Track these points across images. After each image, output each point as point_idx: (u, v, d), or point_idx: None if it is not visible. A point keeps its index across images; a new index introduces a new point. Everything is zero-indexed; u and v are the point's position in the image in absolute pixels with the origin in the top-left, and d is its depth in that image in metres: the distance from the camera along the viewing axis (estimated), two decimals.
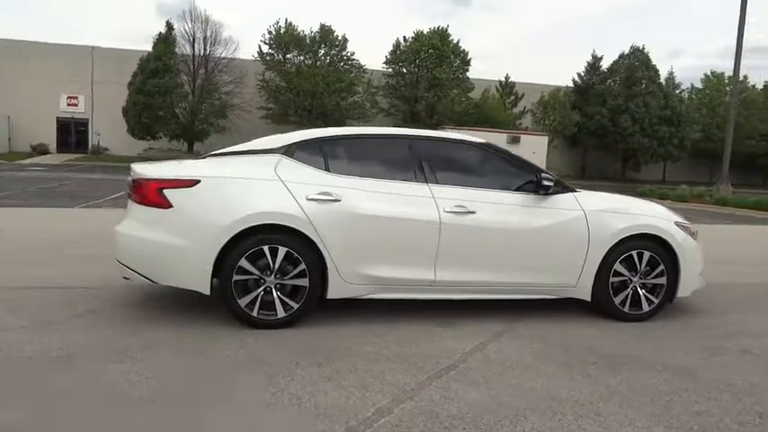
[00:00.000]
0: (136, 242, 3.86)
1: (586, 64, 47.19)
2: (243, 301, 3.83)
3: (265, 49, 40.27)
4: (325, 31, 40.57)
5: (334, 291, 4.00)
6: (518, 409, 2.80)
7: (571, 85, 46.68)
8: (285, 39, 39.75)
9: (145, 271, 3.87)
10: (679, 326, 4.46)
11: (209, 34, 39.71)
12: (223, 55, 39.53)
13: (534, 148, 34.73)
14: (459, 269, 4.17)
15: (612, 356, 3.66)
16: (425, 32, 42.09)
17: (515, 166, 4.47)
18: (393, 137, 4.47)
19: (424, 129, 30.99)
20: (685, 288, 4.60)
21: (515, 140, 33.78)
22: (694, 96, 47.60)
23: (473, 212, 4.15)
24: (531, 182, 4.39)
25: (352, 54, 41.12)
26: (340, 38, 40.88)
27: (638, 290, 4.48)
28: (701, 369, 3.50)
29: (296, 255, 3.87)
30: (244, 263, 3.80)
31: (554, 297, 4.44)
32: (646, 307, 4.51)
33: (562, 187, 4.44)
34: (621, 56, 45.66)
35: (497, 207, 4.24)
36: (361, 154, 4.26)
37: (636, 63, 44.80)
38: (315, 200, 3.91)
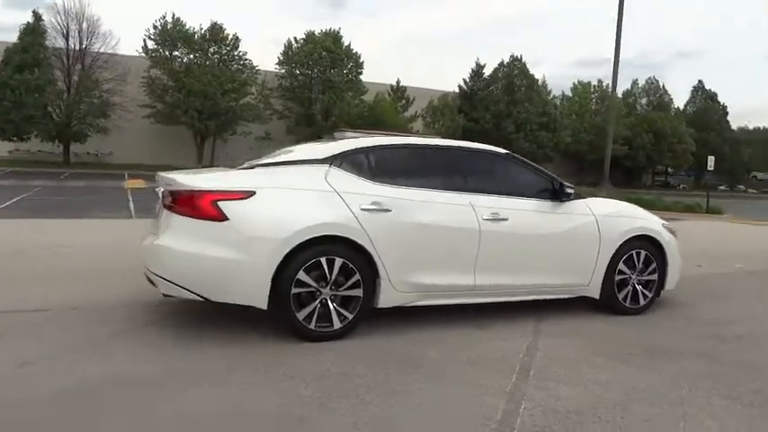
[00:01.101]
0: (186, 257, 3.64)
1: (470, 71, 49.76)
2: (301, 315, 3.76)
3: (150, 44, 38.10)
4: (216, 29, 39.19)
5: (385, 300, 4.04)
6: (615, 399, 3.05)
7: (457, 90, 48.95)
8: (173, 35, 37.83)
9: (196, 287, 3.66)
10: (667, 316, 4.98)
11: (84, 27, 36.78)
12: (102, 50, 36.81)
13: None
14: (495, 274, 4.38)
15: (645, 347, 4.05)
16: (317, 34, 42.06)
17: (536, 174, 4.77)
18: (430, 147, 4.60)
19: (319, 131, 31.26)
20: (671, 282, 5.17)
21: None
22: (566, 103, 51.87)
23: (506, 219, 4.39)
24: (550, 189, 4.71)
25: (245, 54, 40.11)
26: (231, 36, 39.67)
27: (636, 286, 4.97)
28: (722, 353, 3.99)
29: (351, 265, 3.86)
30: (302, 275, 3.73)
31: (569, 296, 4.80)
32: (642, 301, 5.01)
33: (575, 194, 4.81)
34: (501, 64, 48.67)
35: (525, 214, 4.51)
36: (401, 163, 4.34)
37: (515, 71, 48.01)
38: (368, 210, 3.93)
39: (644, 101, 53.86)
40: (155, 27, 38.24)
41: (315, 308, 3.79)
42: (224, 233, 3.63)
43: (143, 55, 37.97)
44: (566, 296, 4.79)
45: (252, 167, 4.08)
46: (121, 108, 35.74)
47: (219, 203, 3.63)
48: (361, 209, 3.92)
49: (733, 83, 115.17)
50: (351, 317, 3.90)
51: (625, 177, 53.99)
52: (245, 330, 3.98)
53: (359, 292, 3.91)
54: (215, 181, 3.81)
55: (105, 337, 3.79)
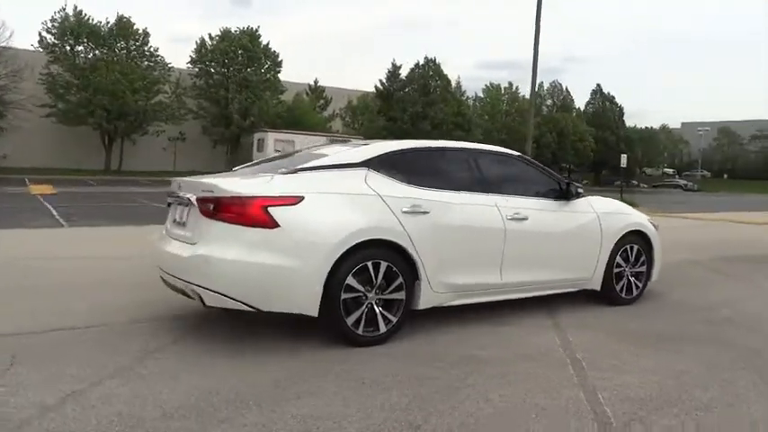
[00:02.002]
0: (235, 266, 3.50)
1: (387, 71, 50.30)
2: (349, 320, 3.73)
3: (49, 38, 35.41)
4: (124, 24, 37.08)
5: (424, 301, 4.08)
6: (672, 385, 3.27)
7: (374, 90, 49.36)
8: (75, 28, 35.38)
9: (246, 297, 3.53)
10: (654, 305, 5.36)
11: None
12: None
13: None
14: (517, 271, 4.54)
15: (656, 334, 4.36)
16: (234, 32, 40.93)
17: (544, 174, 4.99)
18: (456, 150, 4.68)
19: (238, 131, 30.65)
20: (655, 274, 5.58)
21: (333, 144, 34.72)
22: (478, 104, 53.76)
23: (526, 219, 4.56)
24: (558, 189, 4.94)
25: (156, 50, 38.28)
26: (140, 31, 37.71)
27: (630, 278, 5.32)
28: (728, 338, 4.37)
29: (394, 268, 3.88)
30: (350, 280, 3.70)
31: (574, 290, 5.06)
32: (635, 292, 5.38)
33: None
34: (417, 65, 49.59)
35: (541, 213, 4.71)
36: (431, 166, 4.39)
37: (430, 72, 49.10)
38: (409, 213, 3.96)
39: (549, 102, 56.91)
40: (53, 20, 35.63)
41: (362, 313, 3.77)
42: (275, 240, 3.52)
43: (39, 49, 35.24)
44: (572, 290, 5.05)
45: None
46: (18, 106, 32.95)
47: (270, 210, 3.52)
48: (403, 212, 3.94)
49: (620, 86, 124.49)
50: (395, 320, 3.91)
51: None
52: (284, 339, 3.89)
53: (401, 295, 3.93)
54: (261, 186, 3.68)
55: (139, 357, 3.54)
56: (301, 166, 3.92)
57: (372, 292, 3.81)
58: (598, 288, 5.14)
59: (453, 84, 50.01)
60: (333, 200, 3.77)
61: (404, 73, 49.57)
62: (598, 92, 59.25)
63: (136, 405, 2.82)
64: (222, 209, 3.56)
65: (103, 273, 6.06)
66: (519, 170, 4.92)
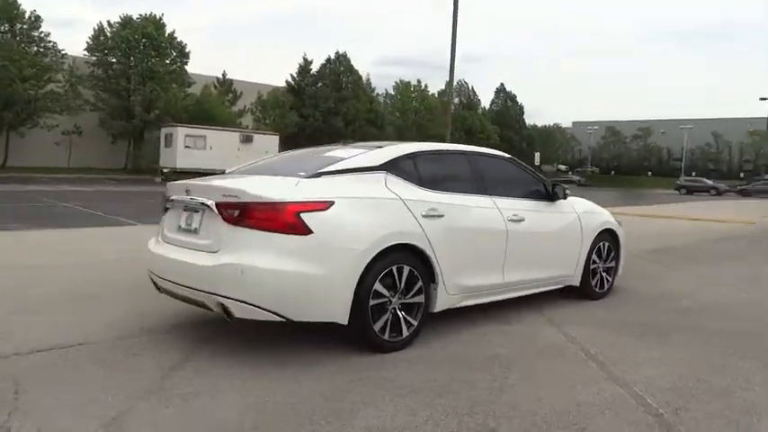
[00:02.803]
0: (266, 275, 3.34)
1: (298, 66, 49.69)
2: (376, 327, 3.69)
3: None
4: (9, 5, 33.86)
5: (440, 304, 4.12)
6: (690, 373, 3.51)
7: (285, 85, 48.56)
8: None
9: (277, 307, 3.38)
10: (623, 298, 5.72)
11: None
12: None
13: (267, 148, 35.26)
14: (516, 271, 4.69)
15: (643, 325, 4.67)
16: (136, 19, 38.65)
17: (532, 176, 5.18)
18: (458, 152, 4.74)
19: (141, 124, 29.08)
20: (620, 268, 5.97)
21: (248, 140, 33.76)
22: (389, 101, 54.41)
23: (523, 219, 4.72)
24: (544, 190, 5.15)
25: (48, 35, 35.31)
26: (29, 14, 34.63)
27: (602, 273, 5.66)
28: (700, 325, 4.76)
29: (415, 272, 3.88)
30: (378, 286, 3.67)
31: (560, 287, 5.30)
32: (606, 286, 5.72)
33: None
34: (328, 60, 49.39)
35: (534, 214, 4.89)
36: (440, 169, 4.43)
37: (341, 68, 49.06)
38: (427, 216, 3.97)
39: (456, 101, 58.68)
40: None
41: (387, 318, 3.74)
42: (308, 247, 3.41)
43: None
44: (557, 287, 5.28)
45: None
46: None
47: (302, 215, 3.40)
48: (422, 215, 3.95)
49: (516, 86, 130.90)
50: (416, 324, 3.92)
51: None
52: (300, 349, 3.79)
53: (421, 299, 3.94)
54: (291, 191, 3.53)
55: (158, 376, 3.31)
56: (324, 170, 3.80)
57: (395, 297, 3.79)
58: (578, 284, 5.42)
59: (364, 80, 50.29)
60: (361, 204, 3.71)
61: (315, 68, 49.26)
62: (501, 91, 62.00)
63: (198, 428, 2.65)
64: (251, 215, 3.39)
65: (63, 283, 5.57)
66: (511, 172, 5.06)
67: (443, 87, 58.92)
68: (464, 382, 3.29)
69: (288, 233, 3.38)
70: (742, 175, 64.33)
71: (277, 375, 3.32)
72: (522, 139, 58.72)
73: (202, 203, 3.64)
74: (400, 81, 55.58)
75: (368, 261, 3.58)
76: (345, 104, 46.81)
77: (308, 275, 3.41)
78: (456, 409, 2.91)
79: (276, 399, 3.00)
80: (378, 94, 52.68)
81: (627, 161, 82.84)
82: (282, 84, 48.62)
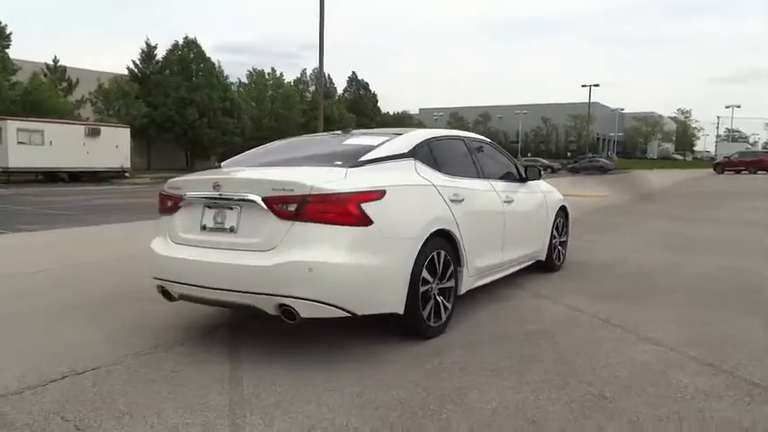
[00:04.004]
0: (337, 270, 3.18)
1: (141, 52, 46.06)
2: (425, 313, 3.69)
3: None
4: None
5: (464, 286, 4.21)
6: (715, 329, 3.98)
7: (126, 73, 44.80)
8: None
9: (344, 303, 3.24)
10: (576, 269, 6.24)
11: None
12: None
13: (117, 142, 32.41)
14: (510, 249, 4.92)
15: (618, 292, 5.16)
16: None
17: (508, 158, 5.43)
18: (458, 138, 4.81)
19: None
20: (569, 242, 6.50)
21: (95, 133, 30.77)
22: (243, 90, 52.54)
23: (512, 201, 4.96)
24: (517, 172, 5.43)
25: None
26: None
27: (558, 247, 6.13)
28: (667, 286, 5.38)
29: (448, 257, 3.93)
30: (425, 273, 3.66)
31: (532, 262, 5.64)
32: (562, 259, 6.21)
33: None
34: (176, 46, 46.42)
35: (517, 195, 5.14)
36: (451, 155, 4.48)
37: (191, 54, 46.39)
38: (454, 201, 4.03)
39: (312, 89, 58.32)
40: None
41: (431, 304, 3.75)
42: (369, 238, 3.31)
43: None
44: (530, 263, 5.62)
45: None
46: None
47: (363, 206, 3.28)
48: (450, 200, 3.99)
49: (365, 74, 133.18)
50: (450, 308, 3.97)
51: None
52: (338, 344, 3.68)
53: (452, 283, 4.01)
54: (347, 181, 3.36)
55: (225, 390, 3.04)
56: (364, 158, 3.67)
57: (434, 282, 3.81)
58: (544, 258, 5.81)
59: (217, 67, 47.99)
60: (407, 192, 3.66)
61: (160, 54, 46.05)
62: (354, 79, 62.79)
63: None
64: (311, 208, 3.19)
65: (46, 296, 4.77)
66: (495, 155, 5.27)
67: (299, 75, 58.42)
68: (529, 358, 3.42)
69: (350, 225, 3.25)
70: (569, 154, 71.98)
71: (356, 373, 3.20)
72: (377, 126, 60.03)
73: (242, 200, 3.34)
74: (254, 69, 53.93)
75: (419, 248, 3.57)
76: (198, 93, 44.36)
77: (373, 267, 3.31)
78: (551, 382, 3.04)
79: (376, 395, 2.90)
80: (232, 83, 50.64)
81: None
82: (124, 71, 44.81)
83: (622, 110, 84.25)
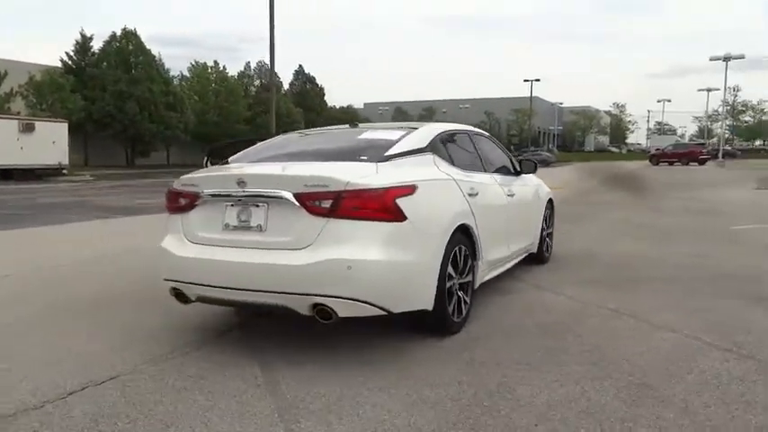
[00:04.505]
0: (375, 267, 3.11)
1: (75, 44, 43.92)
2: (450, 309, 3.68)
3: None
4: None
5: (479, 280, 4.21)
6: (729, 315, 4.14)
7: (60, 65, 42.62)
8: None
9: (380, 300, 3.16)
10: (562, 259, 6.40)
11: None
12: None
13: (54, 137, 30.77)
14: (514, 242, 4.99)
15: (611, 281, 5.31)
16: None
17: (503, 152, 5.47)
18: (464, 132, 4.77)
19: None
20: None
21: (29, 129, 29.13)
22: (185, 84, 50.90)
23: (514, 194, 5.00)
24: (511, 165, 5.49)
25: None
26: None
27: (546, 239, 6.24)
28: (643, 274, 5.57)
29: (467, 252, 3.93)
30: (449, 268, 3.64)
31: (526, 255, 5.71)
32: (550, 250, 6.33)
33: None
34: (113, 37, 44.53)
35: (516, 188, 5.18)
36: (461, 149, 4.47)
37: (130, 46, 44.60)
38: (471, 195, 4.02)
39: (257, 82, 57.16)
40: None
41: (455, 300, 3.74)
42: (404, 233, 3.25)
43: None
44: (525, 255, 5.69)
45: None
46: None
47: (398, 201, 3.22)
48: (468, 194, 3.98)
49: (309, 67, 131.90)
50: (469, 302, 3.97)
51: None
52: (364, 340, 3.62)
53: (470, 277, 4.01)
54: (380, 176, 3.27)
55: (267, 388, 2.93)
56: (389, 153, 3.60)
57: (456, 277, 3.80)
58: (536, 250, 5.90)
59: (157, 59, 46.27)
60: (433, 186, 3.63)
61: (96, 46, 44.06)
62: (300, 72, 61.92)
63: None
64: (346, 204, 3.10)
65: (35, 300, 4.44)
66: (494, 149, 5.29)
67: (242, 69, 57.11)
68: (557, 351, 3.46)
69: (386, 221, 3.18)
70: (512, 147, 73.56)
71: (393, 372, 3.14)
72: (325, 121, 59.48)
73: (270, 196, 3.22)
74: (196, 62, 52.28)
75: (446, 243, 3.55)
76: (139, 87, 42.68)
77: (408, 264, 3.26)
78: (591, 373, 3.09)
79: (424, 394, 2.87)
80: (174, 77, 48.96)
81: None
82: (58, 63, 42.62)
83: (561, 104, 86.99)
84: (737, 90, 70.79)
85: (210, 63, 52.65)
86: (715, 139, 68.29)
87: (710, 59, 39.79)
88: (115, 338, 3.76)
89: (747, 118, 73.97)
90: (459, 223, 3.72)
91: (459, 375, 3.09)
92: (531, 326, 3.97)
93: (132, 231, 9.36)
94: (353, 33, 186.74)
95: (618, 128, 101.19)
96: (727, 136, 57.05)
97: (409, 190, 3.33)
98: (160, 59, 46.59)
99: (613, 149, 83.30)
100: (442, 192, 3.71)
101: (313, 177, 3.17)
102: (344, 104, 75.56)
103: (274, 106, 25.21)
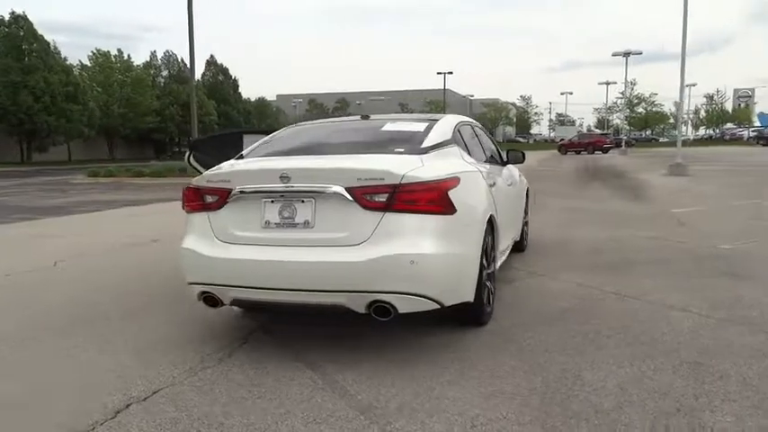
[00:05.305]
0: (433, 261, 3.05)
1: None
2: (484, 299, 3.69)
3: None
4: None
5: (496, 269, 4.25)
6: (700, 293, 4.44)
7: None
8: None
9: (438, 294, 3.12)
10: (536, 247, 6.63)
11: None
12: None
13: None
14: (512, 231, 5.07)
15: (595, 266, 5.55)
16: None
17: (492, 142, 5.54)
18: (467, 123, 4.76)
19: None
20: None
21: None
22: (86, 73, 47.65)
23: (511, 184, 5.10)
24: (497, 156, 5.57)
25: None
26: None
27: (525, 227, 6.42)
28: (625, 257, 5.86)
29: (493, 242, 3.96)
30: (483, 259, 3.65)
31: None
32: (528, 239, 6.52)
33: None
34: (2, 22, 40.90)
35: (510, 179, 5.28)
36: (470, 140, 4.45)
37: (21, 33, 41.14)
38: (491, 186, 4.05)
39: (165, 73, 54.49)
40: None
41: (486, 290, 3.76)
42: (455, 226, 3.22)
43: None
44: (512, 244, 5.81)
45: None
46: None
47: (449, 193, 3.18)
48: (490, 185, 4.01)
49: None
50: (494, 292, 4.01)
51: (157, 150, 54.09)
52: (399, 336, 3.58)
53: (492, 267, 4.03)
54: (427, 169, 3.20)
55: (339, 392, 2.82)
56: (426, 145, 3.54)
57: (486, 268, 3.81)
58: (519, 239, 6.05)
59: (52, 47, 42.94)
60: (468, 178, 3.60)
61: None
62: (213, 63, 59.60)
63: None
64: (403, 197, 3.02)
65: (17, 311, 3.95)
66: (488, 140, 5.34)
67: (148, 59, 54.22)
68: (593, 334, 3.57)
69: (439, 213, 3.13)
70: None
71: (450, 366, 3.12)
72: (239, 113, 57.84)
73: (318, 191, 3.07)
74: (98, 50, 48.98)
75: (483, 234, 3.56)
76: (34, 77, 39.48)
77: (459, 256, 3.24)
78: (640, 355, 3.20)
79: (497, 385, 2.86)
80: (73, 66, 45.63)
81: None
82: None
83: (472, 96, 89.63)
84: (634, 83, 75.98)
85: (114, 52, 49.63)
86: (611, 130, 73.02)
87: (613, 55, 42.50)
88: (130, 350, 3.49)
89: (640, 109, 79.78)
90: (489, 214, 3.74)
91: (518, 364, 3.11)
92: (552, 311, 4.07)
93: (73, 232, 8.68)
94: (262, 22, 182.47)
95: (524, 119, 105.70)
96: (623, 126, 61.17)
97: (456, 182, 3.30)
98: (56, 48, 43.31)
99: (521, 140, 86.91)
100: (475, 183, 3.71)
101: (367, 171, 3.06)
102: (256, 96, 73.75)
103: (194, 99, 24.04)
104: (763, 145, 47.11)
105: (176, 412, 2.66)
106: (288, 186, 3.13)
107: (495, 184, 4.18)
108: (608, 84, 61.00)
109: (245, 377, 3.05)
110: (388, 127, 4.01)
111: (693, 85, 69.99)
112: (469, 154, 4.11)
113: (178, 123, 51.16)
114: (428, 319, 3.65)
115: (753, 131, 60.78)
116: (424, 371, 3.04)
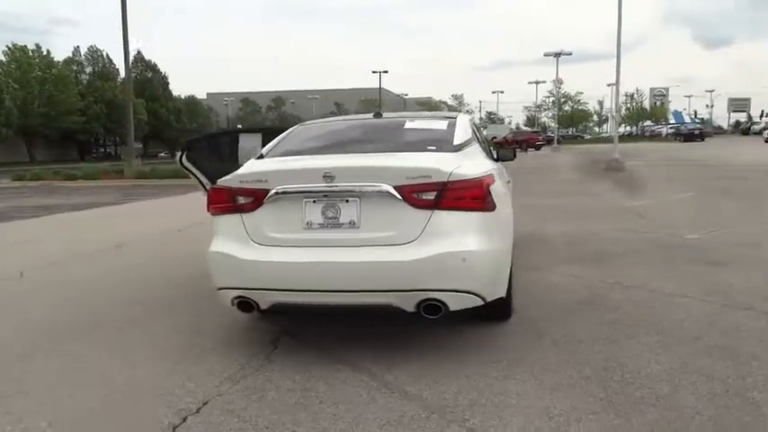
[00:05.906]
0: (482, 258, 3.06)
1: None
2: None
3: None
4: None
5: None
6: (695, 279, 4.69)
7: None
8: None
9: (483, 291, 3.12)
10: (521, 242, 6.78)
11: None
12: None
13: None
14: None
15: (582, 258, 5.76)
16: None
17: (486, 139, 5.63)
18: (471, 120, 4.78)
19: None
20: None
21: None
22: (1, 69, 44.60)
23: (510, 181, 5.18)
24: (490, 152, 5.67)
25: None
26: None
27: None
28: (606, 249, 6.10)
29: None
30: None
31: None
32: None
33: None
34: None
35: (506, 175, 5.37)
36: (480, 138, 4.49)
37: None
38: (507, 183, 4.12)
39: (89, 70, 51.79)
40: None
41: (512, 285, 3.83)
42: (494, 222, 3.25)
43: None
44: None
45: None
46: None
47: (490, 190, 3.21)
48: (506, 182, 4.08)
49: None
50: (512, 287, 4.08)
51: (82, 151, 51.43)
52: (426, 334, 3.60)
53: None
54: (467, 167, 3.20)
55: (396, 401, 2.80)
56: (457, 143, 3.55)
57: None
58: None
59: None
60: (496, 175, 3.64)
61: None
62: (140, 60, 57.05)
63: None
64: (450, 195, 3.02)
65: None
66: (484, 137, 5.41)
67: (71, 54, 51.40)
68: (618, 324, 3.70)
69: (482, 210, 3.15)
70: None
71: (495, 362, 3.15)
72: (169, 111, 55.74)
73: (365, 191, 3.02)
74: (13, 45, 45.90)
75: (512, 230, 3.62)
76: None
77: (500, 252, 3.28)
78: (674, 342, 3.35)
79: (549, 377, 2.93)
80: None
81: None
82: None
83: (406, 95, 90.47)
84: (561, 82, 78.99)
85: (31, 46, 46.71)
86: (539, 128, 75.62)
87: (545, 55, 43.95)
88: (156, 360, 3.32)
89: (567, 108, 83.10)
90: (512, 210, 3.81)
91: (561, 356, 3.19)
92: (566, 304, 4.19)
93: (35, 238, 8.13)
94: (190, 16, 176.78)
95: None
96: (551, 124, 63.58)
97: (493, 179, 3.34)
98: None
99: None
100: (500, 180, 3.76)
101: (416, 169, 3.04)
102: (186, 95, 71.38)
103: (131, 100, 23.01)
104: (681, 141, 50.22)
105: (239, 422, 2.56)
106: (332, 186, 3.06)
107: (509, 181, 4.25)
108: (537, 83, 63.11)
109: (292, 383, 2.96)
110: (411, 125, 4.00)
111: (613, 85, 73.52)
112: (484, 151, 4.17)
113: (104, 123, 48.75)
114: (450, 318, 3.68)
115: (670, 128, 64.65)
116: (474, 369, 3.06)
